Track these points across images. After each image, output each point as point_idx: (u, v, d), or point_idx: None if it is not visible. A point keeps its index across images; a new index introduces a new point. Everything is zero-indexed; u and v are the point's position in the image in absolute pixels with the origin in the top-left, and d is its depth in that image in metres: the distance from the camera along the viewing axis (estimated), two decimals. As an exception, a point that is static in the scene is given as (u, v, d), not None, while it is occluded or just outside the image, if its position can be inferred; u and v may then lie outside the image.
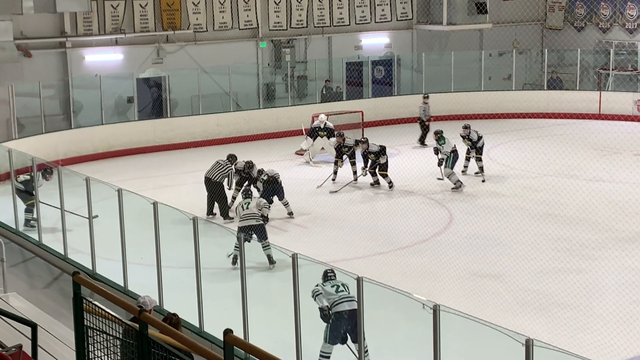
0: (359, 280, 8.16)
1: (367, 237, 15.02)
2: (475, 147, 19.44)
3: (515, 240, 14.53)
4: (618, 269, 13.01)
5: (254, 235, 12.92)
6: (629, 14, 28.23)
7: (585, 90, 26.99)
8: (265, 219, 13.96)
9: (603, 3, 28.94)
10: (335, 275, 9.61)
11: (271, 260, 13.20)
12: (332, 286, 9.41)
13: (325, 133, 21.34)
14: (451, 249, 14.26)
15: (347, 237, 15.12)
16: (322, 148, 21.43)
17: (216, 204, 16.26)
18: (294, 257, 8.66)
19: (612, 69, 27.46)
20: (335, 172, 19.30)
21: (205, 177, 16.36)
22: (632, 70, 27.40)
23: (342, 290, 9.33)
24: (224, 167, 16.43)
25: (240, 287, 9.47)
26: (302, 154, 22.09)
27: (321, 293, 9.33)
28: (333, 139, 20.95)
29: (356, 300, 9.02)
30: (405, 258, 13.95)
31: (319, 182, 19.02)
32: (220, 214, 16.14)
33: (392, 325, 9.34)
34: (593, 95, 26.53)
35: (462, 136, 19.54)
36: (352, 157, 19.30)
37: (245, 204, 13.69)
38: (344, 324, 9.15)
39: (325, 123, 21.46)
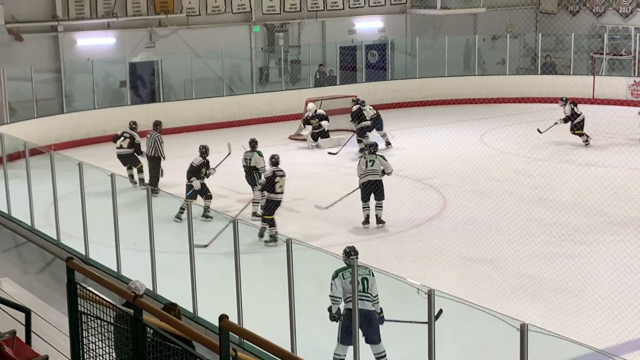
0: (353, 267, 8.16)
1: (360, 222, 15.00)
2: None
3: (508, 225, 14.55)
4: (611, 253, 13.04)
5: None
6: (623, -2, 28.19)
7: (579, 75, 26.99)
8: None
9: (597, -13, 28.90)
10: (357, 257, 9.14)
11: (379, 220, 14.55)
12: (351, 282, 8.71)
13: (317, 120, 21.43)
14: (445, 234, 14.27)
15: (341, 221, 15.12)
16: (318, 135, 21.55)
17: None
18: (288, 242, 8.63)
19: (606, 54, 27.44)
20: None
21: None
22: (625, 55, 27.38)
23: (361, 288, 8.87)
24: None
25: (235, 272, 9.45)
26: (296, 139, 22.09)
27: (337, 283, 8.96)
28: (326, 122, 21.16)
29: (372, 300, 8.96)
30: (399, 243, 13.97)
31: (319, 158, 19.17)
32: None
33: (387, 309, 9.32)
34: (587, 80, 26.54)
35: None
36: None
37: (370, 161, 14.76)
38: (359, 325, 8.70)
39: (316, 111, 21.55)
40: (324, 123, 21.61)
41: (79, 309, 6.02)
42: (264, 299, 10.75)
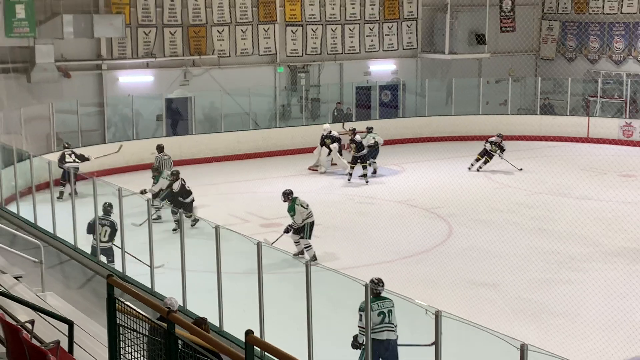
0: (367, 287, 8.14)
1: (373, 247, 14.98)
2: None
3: (510, 253, 14.47)
4: (604, 280, 12.93)
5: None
6: (615, 46, 28.17)
7: (575, 116, 26.91)
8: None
9: (592, 36, 28.89)
10: (383, 288, 9.01)
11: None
12: (379, 314, 8.84)
13: (329, 141, 21.60)
14: (451, 259, 14.21)
15: (355, 246, 15.10)
16: (329, 154, 21.80)
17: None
18: (307, 265, 8.64)
19: (600, 97, 27.37)
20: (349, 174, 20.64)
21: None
22: (618, 98, 27.31)
23: (386, 319, 8.84)
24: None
25: (258, 290, 9.45)
26: (315, 170, 22.15)
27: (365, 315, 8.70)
28: (335, 145, 21.21)
29: (396, 330, 8.84)
30: (408, 267, 13.91)
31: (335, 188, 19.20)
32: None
33: (398, 328, 9.27)
34: (582, 121, 26.45)
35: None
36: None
37: (305, 205, 14.34)
38: (381, 353, 8.82)
39: (330, 131, 21.72)
40: (333, 145, 21.73)
41: (117, 321, 6.04)
42: (283, 316, 10.71)
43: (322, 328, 9.07)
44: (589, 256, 14.31)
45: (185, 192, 16.47)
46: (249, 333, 4.71)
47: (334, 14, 26.87)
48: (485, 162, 21.88)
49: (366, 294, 8.20)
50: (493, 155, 21.88)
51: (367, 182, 20.46)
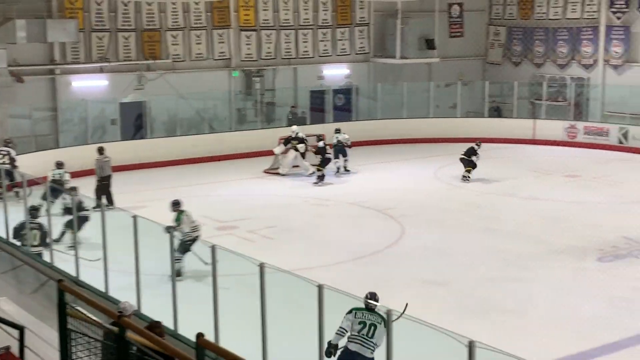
0: (320, 288, 8.09)
1: (328, 248, 14.96)
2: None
3: (460, 252, 14.58)
4: (551, 277, 13.10)
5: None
6: (560, 51, 28.61)
7: (521, 118, 27.25)
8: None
9: (537, 41, 29.30)
10: (376, 305, 8.66)
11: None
12: (360, 323, 8.54)
13: (296, 142, 21.54)
14: (403, 259, 14.26)
15: (310, 247, 15.06)
16: (296, 157, 21.77)
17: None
18: (262, 267, 8.57)
19: (545, 100, 27.78)
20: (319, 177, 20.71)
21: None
22: (562, 101, 27.73)
23: (364, 331, 8.51)
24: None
25: (212, 293, 9.34)
26: (271, 172, 22.08)
27: (349, 318, 8.57)
28: (302, 145, 21.45)
29: (372, 347, 8.41)
30: (362, 267, 13.92)
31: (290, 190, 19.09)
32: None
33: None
34: (528, 123, 26.80)
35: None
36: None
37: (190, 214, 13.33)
38: None
39: (297, 133, 21.68)
40: (300, 146, 21.72)
41: (69, 327, 5.91)
42: (238, 319, 10.61)
43: (277, 330, 8.99)
44: (536, 254, 14.47)
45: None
46: (200, 336, 4.63)
47: (287, 19, 26.82)
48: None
49: (320, 296, 8.14)
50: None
51: (318, 183, 20.61)
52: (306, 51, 27.40)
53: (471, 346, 6.27)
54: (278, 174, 21.96)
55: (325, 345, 8.59)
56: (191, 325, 9.38)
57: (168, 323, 9.73)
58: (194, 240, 13.20)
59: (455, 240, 15.25)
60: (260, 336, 8.58)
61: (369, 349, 8.45)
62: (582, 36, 27.91)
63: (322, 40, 27.72)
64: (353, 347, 8.51)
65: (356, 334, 8.51)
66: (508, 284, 12.83)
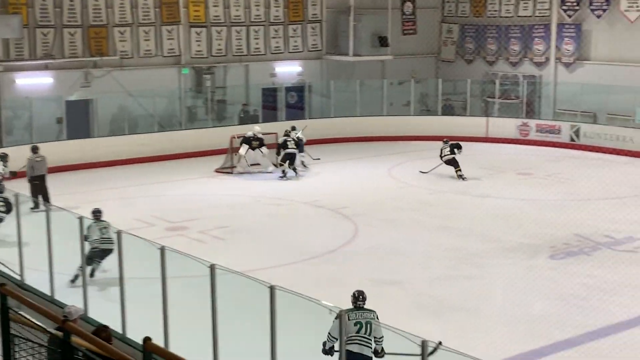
0: (272, 289, 8.08)
1: (281, 248, 14.95)
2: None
3: (413, 250, 14.70)
4: (503, 275, 13.28)
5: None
6: (512, 48, 29.02)
7: (474, 116, 27.57)
8: None
9: (489, 39, 29.68)
10: (364, 302, 8.77)
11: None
12: (356, 324, 8.56)
13: (257, 143, 21.50)
14: (357, 259, 14.32)
15: (263, 248, 15.03)
16: (256, 156, 21.91)
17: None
18: (212, 268, 8.52)
19: (498, 98, 28.16)
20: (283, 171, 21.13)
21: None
22: (515, 99, 28.14)
23: (362, 330, 8.54)
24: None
25: (162, 296, 9.27)
26: (222, 172, 21.98)
27: (339, 324, 8.34)
28: (264, 148, 21.60)
29: (371, 345, 8.48)
30: (315, 267, 13.94)
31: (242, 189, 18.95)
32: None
33: (303, 329, 9.27)
34: (481, 121, 27.12)
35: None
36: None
37: (104, 227, 12.76)
38: None
39: (259, 133, 21.68)
40: (263, 148, 21.90)
41: (12, 332, 5.81)
42: (190, 322, 10.54)
43: (228, 332, 8.96)
44: (488, 252, 14.65)
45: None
46: (147, 340, 4.59)
47: (238, 16, 26.72)
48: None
49: (271, 297, 8.13)
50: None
51: (283, 178, 21.15)
52: (258, 48, 27.32)
53: (424, 345, 6.33)
54: (230, 173, 21.88)
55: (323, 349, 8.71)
56: (140, 328, 9.31)
57: (116, 327, 9.63)
58: (100, 252, 12.56)
59: (409, 239, 15.37)
60: (211, 339, 8.54)
61: (369, 347, 8.55)
62: (534, 34, 28.35)
63: (274, 37, 27.68)
64: (355, 348, 8.49)
65: (354, 335, 8.52)
66: (461, 283, 12.98)
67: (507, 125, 26.92)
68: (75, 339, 5.36)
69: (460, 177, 20.98)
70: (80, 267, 12.41)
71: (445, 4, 31.13)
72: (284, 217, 17.74)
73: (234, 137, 22.27)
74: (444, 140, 22.16)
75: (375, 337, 8.61)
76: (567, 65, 27.54)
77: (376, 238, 15.55)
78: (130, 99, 24.09)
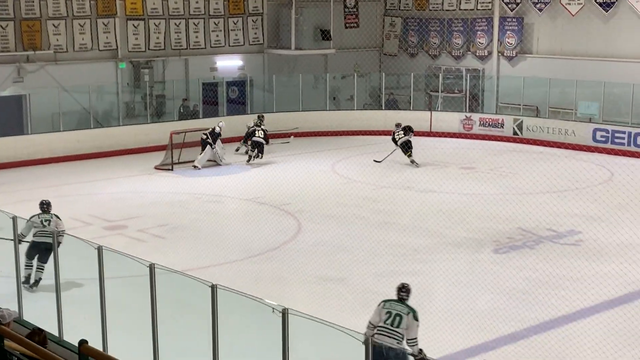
0: (214, 288, 8.06)
1: (221, 246, 14.88)
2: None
3: (357, 246, 14.79)
4: (446, 270, 13.46)
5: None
6: (455, 42, 29.40)
7: (418, 111, 27.84)
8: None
9: (432, 32, 30.02)
10: (407, 296, 8.90)
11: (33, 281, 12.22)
12: (387, 313, 8.70)
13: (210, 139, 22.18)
14: (300, 256, 14.34)
15: (204, 246, 14.95)
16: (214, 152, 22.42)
17: None
18: (152, 267, 8.46)
19: (441, 92, 28.51)
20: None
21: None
22: (458, 93, 28.52)
23: (390, 322, 8.67)
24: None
25: (99, 296, 9.16)
26: (161, 169, 21.81)
27: (377, 310, 8.77)
28: (219, 143, 22.44)
29: (397, 338, 8.54)
30: (257, 265, 13.93)
31: (182, 186, 18.80)
32: None
33: (245, 329, 9.26)
34: (425, 115, 27.42)
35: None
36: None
37: (46, 220, 12.46)
38: (375, 357, 8.50)
39: (220, 127, 22.45)
40: (218, 143, 22.33)
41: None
42: (129, 323, 10.45)
43: (169, 332, 8.91)
44: (432, 247, 14.83)
45: None
46: (82, 343, 4.54)
47: (177, 8, 26.50)
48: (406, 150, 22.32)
49: (213, 297, 8.10)
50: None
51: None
52: (197, 42, 27.15)
53: (367, 343, 6.40)
54: (170, 169, 21.71)
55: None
56: (78, 331, 9.20)
57: (52, 329, 9.48)
58: (33, 245, 12.22)
59: (353, 235, 15.46)
60: (152, 340, 8.47)
61: (395, 339, 8.55)
62: (477, 27, 28.78)
63: (214, 31, 27.53)
64: (379, 339, 8.56)
65: (382, 324, 8.66)
66: (405, 278, 12.97)
67: (450, 120, 27.28)
68: (8, 343, 5.28)
69: (413, 162, 21.63)
70: (27, 266, 12.22)
71: (388, -3, 31.39)
72: (225, 215, 17.68)
73: (175, 133, 22.14)
74: (397, 124, 22.95)
75: (398, 333, 8.62)
76: (509, 58, 28.03)
77: (319, 234, 15.61)
78: (66, 95, 23.68)
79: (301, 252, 14.55)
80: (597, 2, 25.50)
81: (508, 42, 27.97)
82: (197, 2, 26.94)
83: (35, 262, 12.29)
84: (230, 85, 27.84)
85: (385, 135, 26.07)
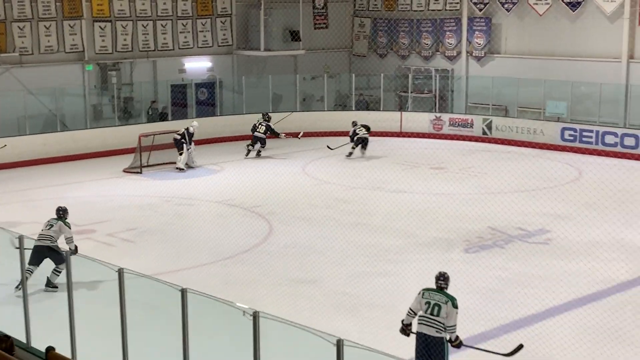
0: (184, 292, 8.03)
1: (192, 250, 14.83)
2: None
3: (329, 248, 14.81)
4: (418, 270, 13.52)
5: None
6: (424, 42, 29.57)
7: (388, 111, 27.96)
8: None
9: (402, 33, 30.16)
10: (445, 284, 9.13)
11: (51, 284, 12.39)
12: (426, 303, 8.96)
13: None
14: (271, 258, 14.33)
15: (174, 249, 14.87)
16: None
17: None
18: (120, 272, 8.41)
19: (411, 92, 28.64)
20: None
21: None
22: (428, 93, 28.67)
23: (429, 311, 8.91)
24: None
25: (67, 302, 9.08)
26: (130, 172, 21.67)
27: (417, 298, 9.09)
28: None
29: (438, 326, 8.80)
30: (229, 268, 13.89)
31: (151, 189, 18.71)
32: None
33: (216, 333, 9.23)
34: (395, 115, 27.54)
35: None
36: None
37: (48, 225, 12.68)
38: (418, 347, 8.94)
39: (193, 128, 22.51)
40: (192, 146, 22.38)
41: None
42: (98, 328, 10.37)
43: (138, 338, 8.86)
44: (404, 248, 14.90)
45: None
46: (50, 350, 4.51)
47: (144, 10, 26.36)
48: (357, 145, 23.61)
49: (183, 301, 8.07)
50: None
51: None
52: (165, 43, 27.03)
53: (339, 344, 6.42)
54: (139, 172, 21.60)
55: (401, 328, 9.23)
56: (46, 337, 9.11)
57: (20, 336, 9.39)
58: (32, 250, 12.09)
59: (324, 237, 15.48)
60: (121, 345, 8.42)
61: (434, 327, 8.83)
62: (446, 28, 28.96)
63: (182, 32, 27.43)
64: (420, 328, 8.91)
65: (422, 314, 8.94)
66: (377, 279, 13.16)
67: (420, 120, 27.41)
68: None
69: (350, 154, 23.30)
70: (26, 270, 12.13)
71: (357, -2, 31.48)
72: (195, 218, 17.61)
73: (145, 135, 22.04)
74: (354, 122, 23.96)
75: (438, 322, 8.86)
76: (478, 58, 28.24)
77: (291, 236, 15.60)
78: (32, 98, 23.44)
79: (272, 255, 14.54)
80: (564, 2, 25.79)
81: (477, 42, 28.18)
82: (164, 4, 26.83)
83: (34, 267, 12.12)
84: (199, 87, 27.75)
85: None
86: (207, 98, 27.88)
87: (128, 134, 23.43)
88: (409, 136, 26.95)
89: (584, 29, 25.66)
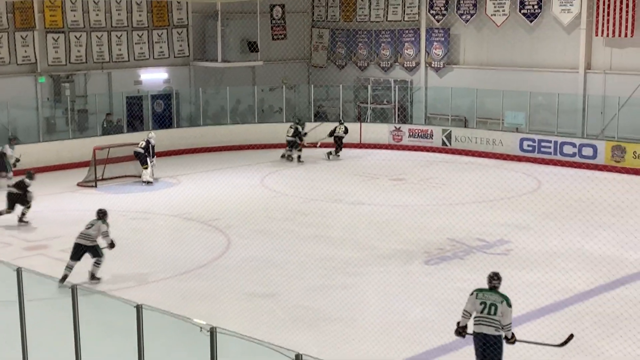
0: (139, 308, 7.97)
1: (148, 265, 14.70)
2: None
3: (287, 261, 14.79)
4: (378, 283, 13.57)
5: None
6: (383, 53, 29.78)
7: (347, 122, 28.01)
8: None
9: (360, 44, 30.35)
10: (499, 284, 9.36)
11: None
12: (481, 304, 9.20)
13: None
14: (229, 272, 14.27)
15: (129, 265, 14.73)
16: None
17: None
18: (74, 289, 8.31)
19: (370, 103, 28.80)
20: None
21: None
22: (387, 104, 28.85)
23: (485, 311, 9.15)
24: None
25: (19, 320, 8.95)
26: (84, 185, 21.45)
27: (470, 300, 9.32)
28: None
29: (496, 325, 9.07)
30: (185, 283, 13.79)
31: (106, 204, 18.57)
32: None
33: (172, 350, 9.15)
34: (354, 127, 27.63)
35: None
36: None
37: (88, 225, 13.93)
38: (477, 346, 9.17)
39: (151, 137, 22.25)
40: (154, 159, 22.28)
41: None
42: (51, 346, 10.22)
43: (92, 355, 8.76)
44: (363, 260, 14.94)
45: None
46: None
47: (99, 21, 26.17)
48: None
49: (138, 317, 8.01)
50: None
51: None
52: (121, 54, 26.85)
53: (298, 359, 6.42)
54: (94, 186, 21.38)
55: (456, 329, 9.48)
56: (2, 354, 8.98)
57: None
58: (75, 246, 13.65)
59: (283, 250, 15.46)
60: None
61: (493, 326, 9.11)
62: (404, 39, 29.21)
63: (137, 43, 27.27)
64: (478, 329, 9.18)
65: (479, 314, 9.19)
66: (336, 292, 13.17)
67: (380, 131, 27.57)
68: None
69: (337, 155, 25.31)
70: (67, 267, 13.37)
71: (315, 9, 31.60)
72: (151, 232, 17.45)
73: (97, 149, 21.81)
74: (340, 120, 25.99)
75: (496, 321, 9.11)
76: (437, 69, 28.52)
77: (249, 250, 15.56)
78: (-19, 110, 23.12)
79: (230, 269, 14.48)
80: (522, 13, 26.19)
81: (435, 53, 28.46)
82: (119, 14, 26.66)
83: (74, 263, 13.51)
84: (155, 99, 27.59)
85: (313, 147, 26.15)
86: (163, 110, 27.72)
87: (82, 147, 23.20)
88: (368, 147, 27.08)
89: (541, 39, 26.08)
